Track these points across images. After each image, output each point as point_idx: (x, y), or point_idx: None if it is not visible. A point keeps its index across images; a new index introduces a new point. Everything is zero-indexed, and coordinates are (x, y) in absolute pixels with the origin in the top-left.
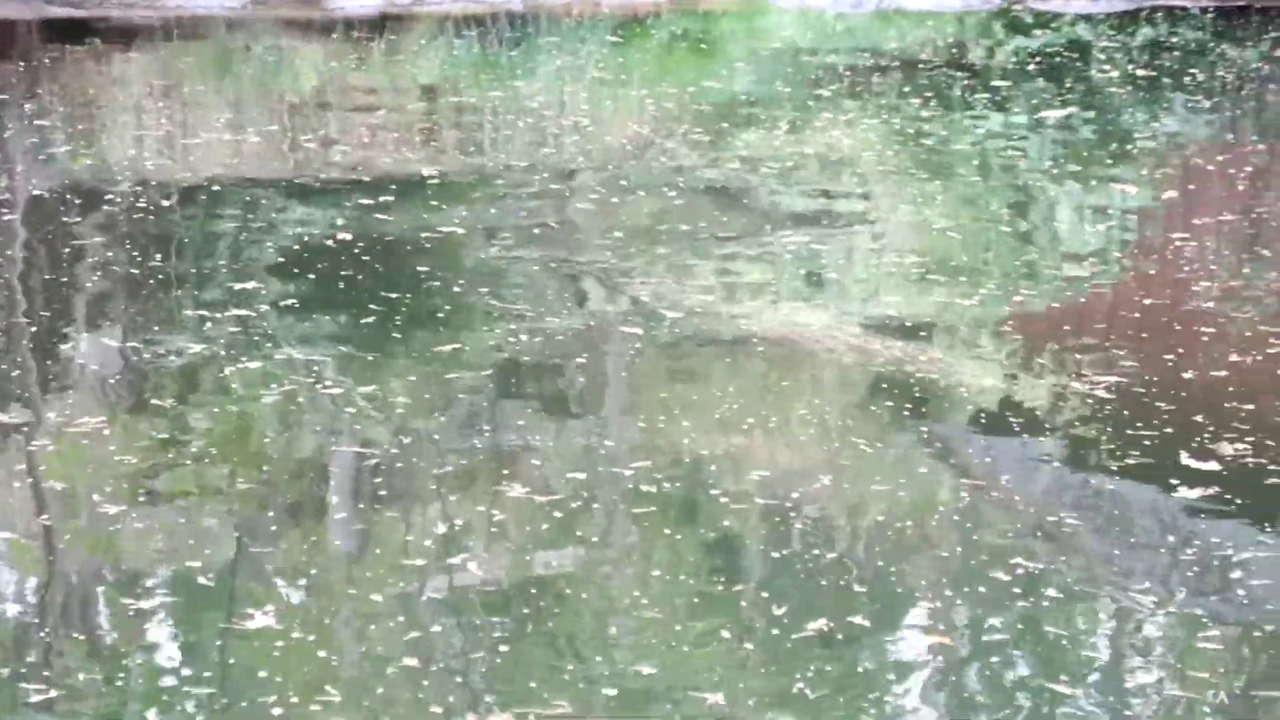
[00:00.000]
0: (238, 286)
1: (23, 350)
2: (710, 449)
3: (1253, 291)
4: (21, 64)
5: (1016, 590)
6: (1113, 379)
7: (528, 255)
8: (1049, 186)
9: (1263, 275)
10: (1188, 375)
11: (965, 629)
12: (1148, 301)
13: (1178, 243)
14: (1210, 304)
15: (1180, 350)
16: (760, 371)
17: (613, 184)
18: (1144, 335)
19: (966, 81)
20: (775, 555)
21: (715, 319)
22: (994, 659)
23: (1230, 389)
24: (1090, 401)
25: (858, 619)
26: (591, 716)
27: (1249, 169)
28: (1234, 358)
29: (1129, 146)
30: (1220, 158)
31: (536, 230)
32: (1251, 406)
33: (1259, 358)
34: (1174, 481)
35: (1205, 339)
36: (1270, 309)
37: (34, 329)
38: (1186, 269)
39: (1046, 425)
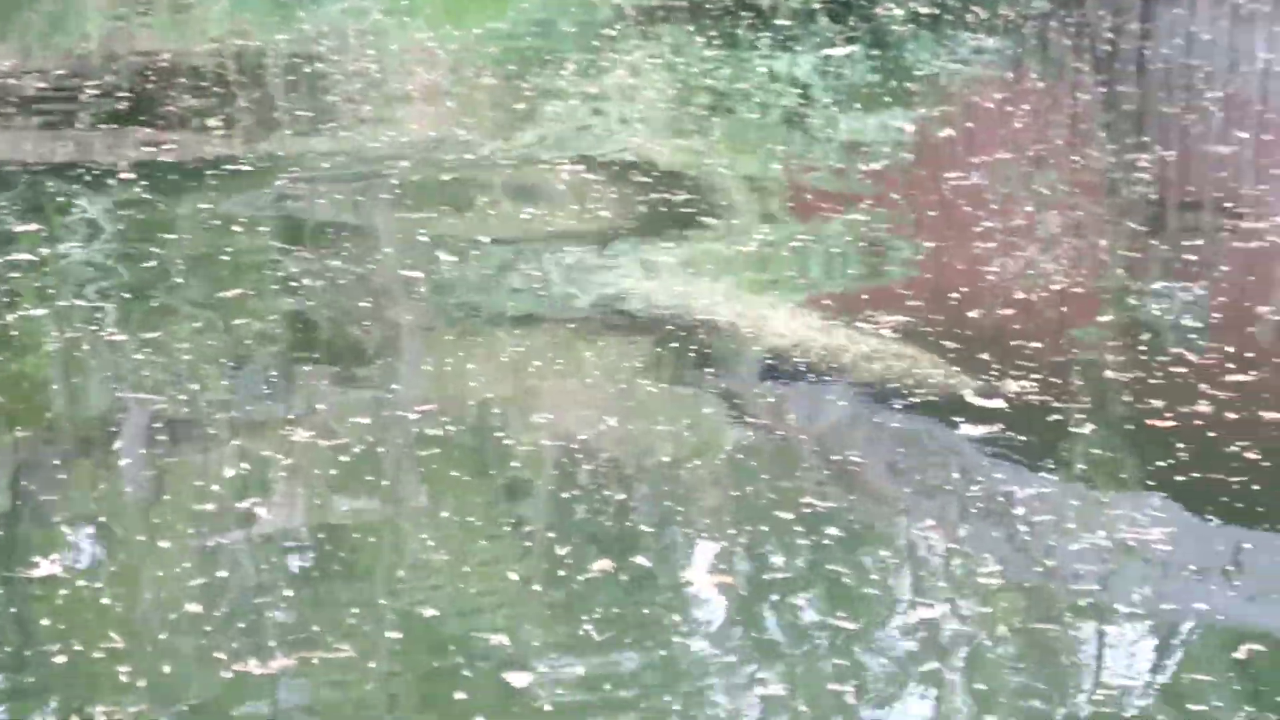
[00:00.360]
0: (19, 229)
1: None
2: (496, 394)
3: (1033, 229)
4: None
5: (801, 529)
6: (898, 319)
7: (314, 200)
8: (831, 125)
9: (1043, 213)
10: (972, 314)
11: (751, 568)
12: (929, 243)
13: (958, 181)
14: (992, 243)
15: (964, 289)
16: (546, 317)
17: (398, 130)
18: (927, 275)
19: (751, 21)
20: (561, 497)
21: (501, 262)
22: (779, 597)
23: (1015, 327)
24: (875, 341)
25: (642, 559)
26: (374, 659)
27: (1028, 107)
28: (1019, 295)
29: (910, 84)
30: (1000, 95)
31: (324, 173)
32: (1038, 345)
33: (1043, 295)
34: (959, 419)
35: (989, 278)
36: (1051, 247)
37: None
38: (968, 207)
39: (833, 366)
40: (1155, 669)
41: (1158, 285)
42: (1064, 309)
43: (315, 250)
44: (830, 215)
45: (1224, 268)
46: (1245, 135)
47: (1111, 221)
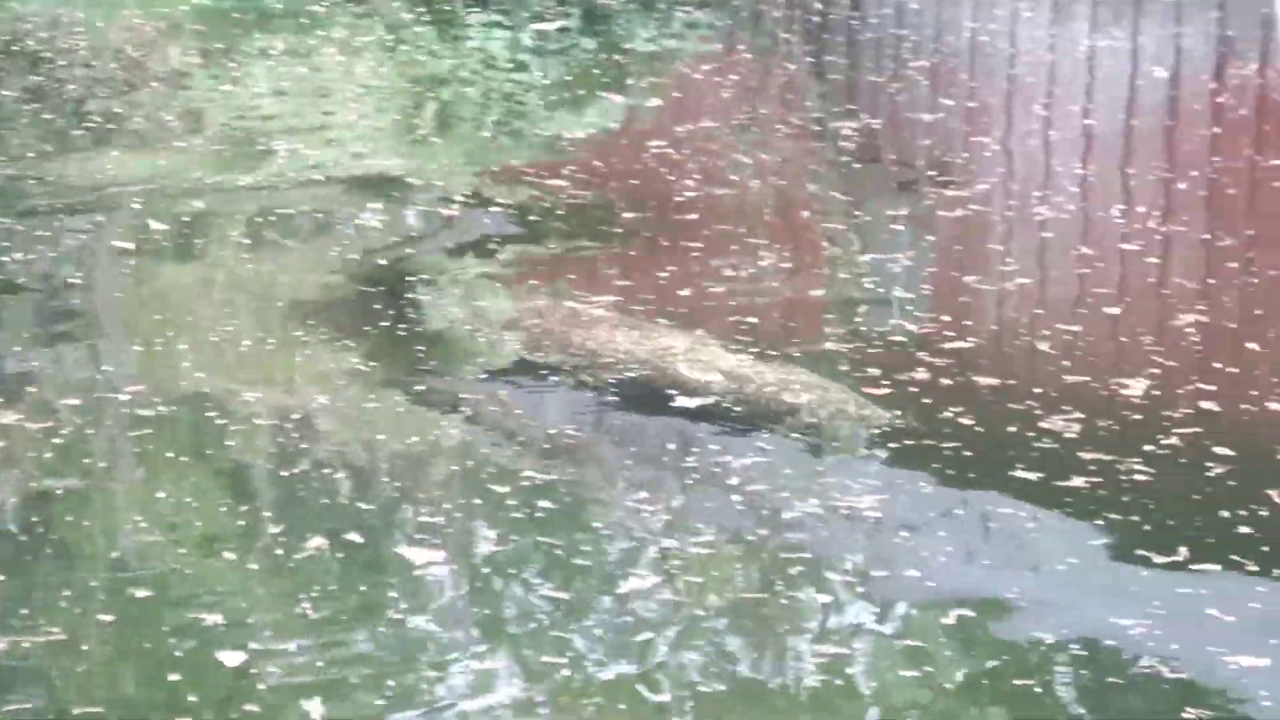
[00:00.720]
0: None
1: None
2: (207, 372)
3: (739, 200)
4: None
5: (516, 503)
6: (609, 298)
7: (21, 178)
8: (543, 101)
9: (748, 183)
10: (684, 292)
11: (468, 543)
12: (629, 215)
13: (663, 151)
14: (694, 215)
15: (672, 266)
16: (255, 293)
17: (105, 108)
18: (632, 252)
19: None
20: (277, 475)
21: (208, 237)
22: (495, 572)
23: (731, 303)
24: (588, 320)
25: (357, 536)
26: (87, 641)
27: (736, 78)
28: (729, 272)
29: (620, 58)
30: (709, 67)
31: (32, 156)
32: (753, 320)
33: (751, 271)
34: (674, 393)
35: (695, 254)
36: (756, 219)
37: None
38: (671, 179)
39: (546, 343)
40: (867, 635)
41: (869, 256)
42: (775, 283)
43: (20, 221)
44: (541, 195)
45: (930, 237)
46: (951, 103)
47: (820, 192)
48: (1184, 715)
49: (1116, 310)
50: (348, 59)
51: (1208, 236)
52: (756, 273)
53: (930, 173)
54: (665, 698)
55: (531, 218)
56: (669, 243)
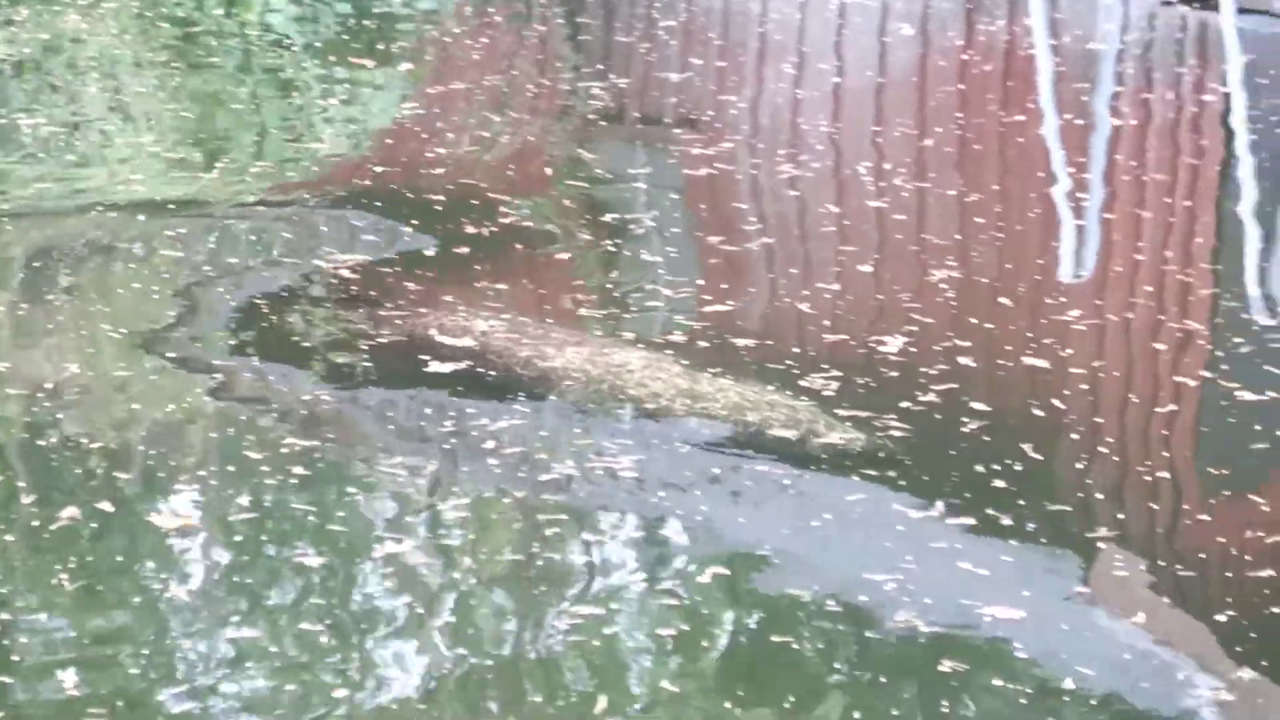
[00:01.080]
0: None
1: None
2: None
3: (484, 159)
4: None
5: (270, 469)
6: (356, 257)
7: None
8: (298, 68)
9: (495, 142)
10: (429, 252)
11: (222, 510)
12: (379, 168)
13: (411, 111)
14: (440, 170)
15: (415, 221)
16: (15, 260)
17: None
18: (378, 203)
19: None
20: (32, 444)
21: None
22: (249, 538)
23: (476, 267)
24: (335, 284)
25: (109, 505)
26: None
27: (486, 40)
28: (470, 229)
29: (370, 22)
30: (460, 29)
31: None
32: (502, 286)
33: (494, 230)
34: (427, 358)
35: (437, 208)
36: (500, 177)
37: None
38: (425, 137)
39: (297, 308)
40: (625, 595)
41: (615, 215)
42: (519, 245)
43: None
44: (294, 157)
45: (675, 195)
46: (699, 63)
47: (566, 152)
48: (940, 668)
49: (870, 268)
50: (94, 27)
51: (955, 192)
52: (499, 232)
53: (676, 131)
54: (425, 659)
55: (287, 177)
56: (414, 195)
